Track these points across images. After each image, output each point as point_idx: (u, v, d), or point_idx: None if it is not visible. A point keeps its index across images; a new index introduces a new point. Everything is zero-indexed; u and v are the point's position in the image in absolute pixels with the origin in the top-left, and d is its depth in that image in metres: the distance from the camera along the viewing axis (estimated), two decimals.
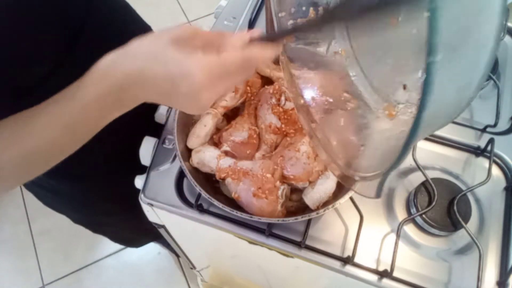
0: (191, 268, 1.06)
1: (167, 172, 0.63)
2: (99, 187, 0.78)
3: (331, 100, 0.52)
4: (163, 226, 0.71)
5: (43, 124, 0.41)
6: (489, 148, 0.63)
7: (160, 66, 0.38)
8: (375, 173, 0.39)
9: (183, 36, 0.39)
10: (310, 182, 0.55)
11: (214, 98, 0.40)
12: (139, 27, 0.74)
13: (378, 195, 0.38)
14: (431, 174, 0.60)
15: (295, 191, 0.58)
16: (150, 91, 0.40)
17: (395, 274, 0.55)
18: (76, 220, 0.92)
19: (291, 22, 0.51)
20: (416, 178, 0.62)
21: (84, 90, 0.40)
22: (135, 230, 0.99)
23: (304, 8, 0.50)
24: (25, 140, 0.41)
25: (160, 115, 0.66)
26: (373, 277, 0.56)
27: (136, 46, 0.40)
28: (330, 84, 0.53)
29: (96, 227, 0.96)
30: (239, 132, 0.59)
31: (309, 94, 0.52)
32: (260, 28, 0.79)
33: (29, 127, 0.41)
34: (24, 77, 0.49)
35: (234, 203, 0.55)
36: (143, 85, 0.39)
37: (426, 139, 0.67)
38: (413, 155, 0.61)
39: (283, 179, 0.55)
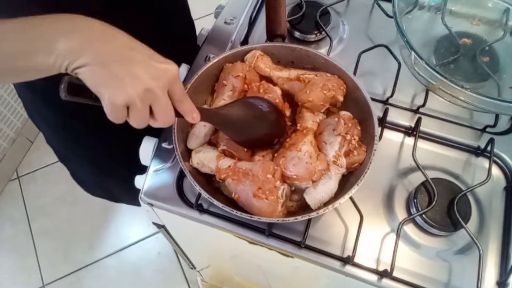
0: (191, 268, 1.06)
1: (167, 172, 0.63)
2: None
3: None
4: (163, 226, 0.71)
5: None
6: (489, 148, 0.63)
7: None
8: None
9: None
10: (313, 182, 0.55)
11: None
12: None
13: None
14: (431, 174, 0.60)
15: (295, 191, 0.57)
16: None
17: (395, 274, 0.55)
18: (49, 139, 0.84)
19: None
20: (416, 178, 0.62)
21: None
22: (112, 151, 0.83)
23: None
24: None
25: None
26: (373, 277, 0.56)
27: None
28: None
29: (66, 146, 0.83)
30: None
31: None
32: (260, 28, 0.79)
33: None
34: None
35: (234, 203, 0.55)
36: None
37: (426, 139, 0.67)
38: (413, 155, 0.61)
39: (286, 179, 0.54)
